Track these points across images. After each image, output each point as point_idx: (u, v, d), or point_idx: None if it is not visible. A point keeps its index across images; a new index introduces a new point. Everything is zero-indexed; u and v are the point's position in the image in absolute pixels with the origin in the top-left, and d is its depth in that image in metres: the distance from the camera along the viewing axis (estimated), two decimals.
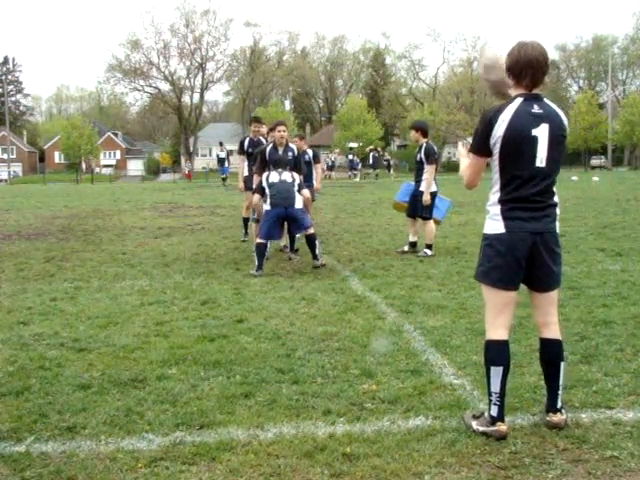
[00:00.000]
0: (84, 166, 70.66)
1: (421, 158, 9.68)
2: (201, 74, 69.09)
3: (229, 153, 41.02)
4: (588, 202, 18.56)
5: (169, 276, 8.47)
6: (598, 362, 4.71)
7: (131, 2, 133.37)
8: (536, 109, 3.50)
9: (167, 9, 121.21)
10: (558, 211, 3.67)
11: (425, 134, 9.84)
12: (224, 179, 38.51)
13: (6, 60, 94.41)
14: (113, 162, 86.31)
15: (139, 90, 70.27)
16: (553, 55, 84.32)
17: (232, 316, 6.23)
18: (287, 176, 8.93)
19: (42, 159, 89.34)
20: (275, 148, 9.60)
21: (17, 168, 77.88)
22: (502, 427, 3.54)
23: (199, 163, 73.93)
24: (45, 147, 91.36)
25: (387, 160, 53.21)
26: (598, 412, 3.84)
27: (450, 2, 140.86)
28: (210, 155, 76.94)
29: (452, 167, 62.75)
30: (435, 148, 9.90)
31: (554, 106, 3.58)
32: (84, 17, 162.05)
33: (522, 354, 4.91)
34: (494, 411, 3.56)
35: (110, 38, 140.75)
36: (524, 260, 3.55)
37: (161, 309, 6.63)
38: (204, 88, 70.36)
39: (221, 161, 39.78)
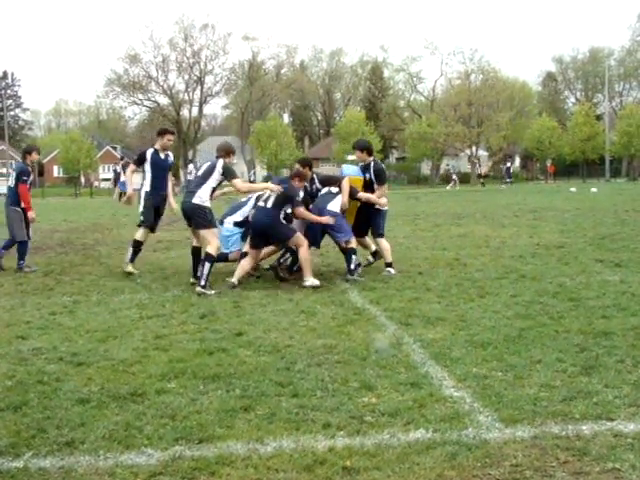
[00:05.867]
0: (83, 180, 70.70)
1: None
2: (200, 88, 69.27)
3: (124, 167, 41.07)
4: (587, 213, 18.57)
5: (168, 289, 8.47)
6: (598, 373, 4.70)
7: (130, 17, 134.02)
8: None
9: (166, 23, 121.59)
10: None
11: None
12: (121, 195, 38.38)
13: (5, 75, 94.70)
14: (112, 176, 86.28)
15: (138, 104, 70.43)
16: (550, 67, 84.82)
17: (231, 329, 6.22)
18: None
19: (41, 173, 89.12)
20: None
21: None
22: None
23: None
24: (44, 161, 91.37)
25: (450, 173, 55.48)
26: (599, 424, 3.83)
27: (448, 15, 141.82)
28: None
29: (450, 180, 62.93)
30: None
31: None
32: (83, 32, 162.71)
33: (522, 366, 4.90)
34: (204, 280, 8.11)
35: (109, 52, 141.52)
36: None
37: (160, 323, 6.62)
38: (203, 102, 70.52)
39: (117, 176, 39.76)
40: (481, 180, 55.37)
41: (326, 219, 8.67)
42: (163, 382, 4.72)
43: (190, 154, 69.25)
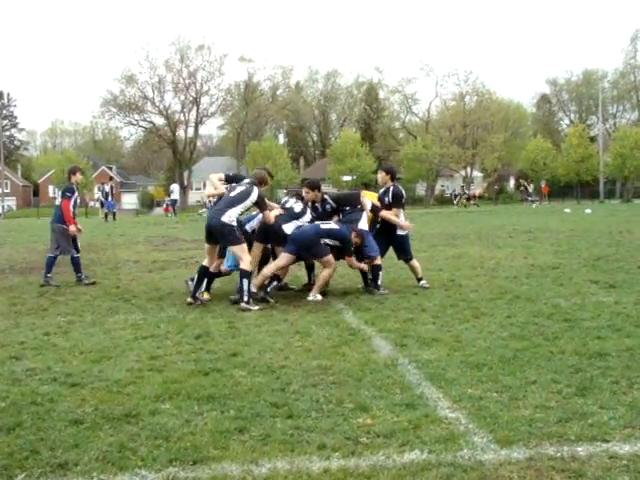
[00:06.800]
0: (78, 200, 70.70)
1: None
2: (195, 108, 69.57)
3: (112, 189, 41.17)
4: (581, 234, 18.63)
5: (163, 310, 8.45)
6: (593, 395, 4.70)
7: (126, 38, 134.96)
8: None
9: (162, 44, 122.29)
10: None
11: None
12: (107, 215, 38.02)
13: (1, 95, 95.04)
14: (99, 196, 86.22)
15: (134, 124, 70.62)
16: (544, 89, 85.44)
17: (226, 350, 6.21)
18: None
19: (36, 193, 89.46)
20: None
21: (11, 202, 77.93)
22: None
23: (194, 197, 74.11)
24: (39, 181, 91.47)
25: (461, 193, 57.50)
26: (594, 445, 3.82)
27: (443, 37, 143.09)
28: (204, 188, 77.13)
29: (445, 200, 63.10)
30: None
31: None
32: (79, 52, 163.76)
33: (517, 387, 4.90)
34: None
35: (105, 73, 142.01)
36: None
37: (155, 343, 6.60)
38: (198, 122, 70.77)
39: (106, 196, 39.54)
40: (472, 202, 55.36)
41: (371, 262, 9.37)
42: (157, 403, 4.70)
43: (185, 175, 69.40)
